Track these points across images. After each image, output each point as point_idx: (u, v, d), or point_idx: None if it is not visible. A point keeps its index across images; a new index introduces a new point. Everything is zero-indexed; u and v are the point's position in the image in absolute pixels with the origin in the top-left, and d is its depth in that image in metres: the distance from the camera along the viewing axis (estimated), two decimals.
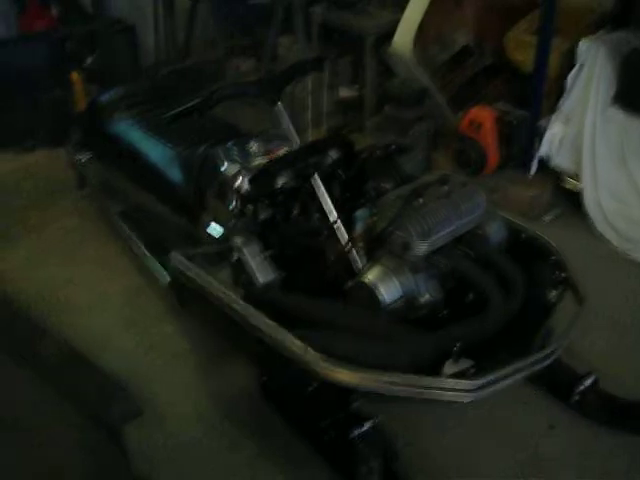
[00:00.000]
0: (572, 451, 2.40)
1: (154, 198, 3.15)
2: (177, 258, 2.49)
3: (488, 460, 2.37)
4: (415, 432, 2.46)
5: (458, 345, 1.87)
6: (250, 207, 2.42)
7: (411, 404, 2.34)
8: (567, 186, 3.72)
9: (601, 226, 3.51)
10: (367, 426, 2.11)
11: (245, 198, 2.44)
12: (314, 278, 2.39)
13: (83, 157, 3.74)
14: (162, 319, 3.02)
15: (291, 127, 2.58)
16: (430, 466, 2.34)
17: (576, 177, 3.63)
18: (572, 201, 3.72)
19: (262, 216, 2.39)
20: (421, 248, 2.09)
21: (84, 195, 3.96)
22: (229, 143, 2.76)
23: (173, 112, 2.51)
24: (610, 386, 2.51)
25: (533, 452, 2.39)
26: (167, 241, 3.14)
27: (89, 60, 4.81)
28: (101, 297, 3.18)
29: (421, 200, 2.15)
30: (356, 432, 2.10)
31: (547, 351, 1.99)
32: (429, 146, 4.05)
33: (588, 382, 2.46)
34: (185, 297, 2.64)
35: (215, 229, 2.72)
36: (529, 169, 3.77)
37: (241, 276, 2.35)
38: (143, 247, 3.17)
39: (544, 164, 3.78)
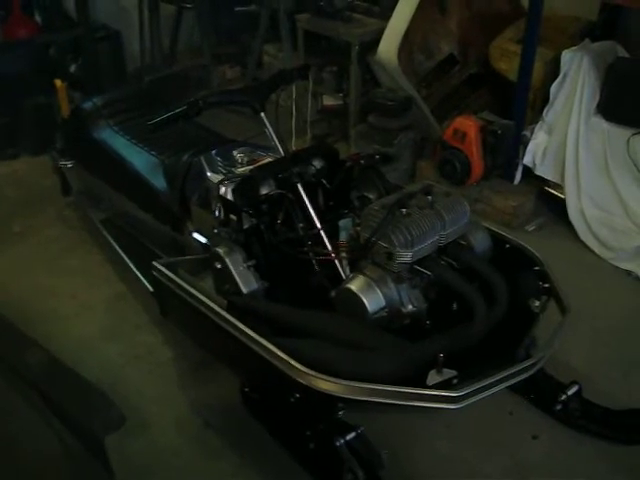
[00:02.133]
0: (555, 459, 2.40)
1: (138, 206, 3.14)
2: (158, 268, 2.48)
3: (472, 467, 2.37)
4: (401, 440, 2.46)
5: (441, 355, 1.87)
6: (233, 216, 2.40)
7: (395, 413, 2.35)
8: (552, 193, 3.73)
9: (584, 235, 3.53)
10: (352, 434, 2.11)
11: (228, 207, 2.42)
12: (298, 288, 2.39)
13: (67, 164, 3.73)
14: (145, 328, 3.01)
15: (274, 136, 2.56)
16: (415, 473, 2.35)
17: (560, 186, 3.64)
18: (556, 210, 3.74)
19: (245, 225, 2.38)
20: (404, 258, 2.09)
21: (68, 202, 3.95)
22: (213, 151, 2.76)
23: (157, 119, 2.49)
24: (592, 395, 2.52)
25: (516, 460, 2.40)
26: (150, 250, 3.14)
27: (73, 67, 4.80)
28: (84, 306, 3.17)
29: (404, 210, 2.15)
30: (341, 440, 2.09)
31: (531, 361, 1.98)
32: (414, 155, 4.05)
33: (571, 391, 2.47)
34: (167, 306, 2.63)
35: (198, 238, 2.72)
36: (513, 178, 3.78)
37: (224, 286, 2.34)
38: (125, 256, 3.15)
39: (528, 173, 3.80)
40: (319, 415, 2.18)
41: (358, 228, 2.25)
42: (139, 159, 3.12)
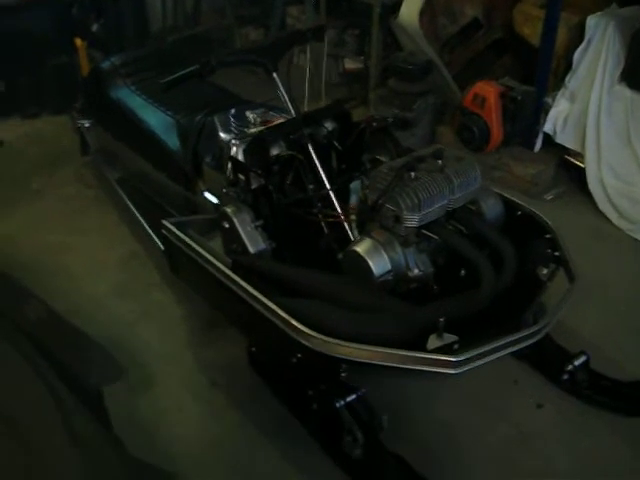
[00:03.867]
0: (558, 429, 2.39)
1: (152, 165, 3.15)
2: (167, 226, 2.49)
3: (473, 434, 2.37)
4: (405, 405, 2.46)
5: (442, 320, 1.85)
6: (242, 176, 2.39)
7: (398, 377, 2.35)
8: (572, 162, 3.67)
9: (603, 205, 3.47)
10: (352, 396, 2.11)
11: (237, 167, 2.41)
12: (306, 249, 2.39)
13: (86, 123, 3.75)
14: (157, 287, 3.04)
15: (287, 97, 2.54)
16: (416, 437, 2.34)
17: (580, 155, 3.58)
18: (576, 179, 3.68)
19: (254, 185, 2.37)
20: (411, 222, 2.07)
21: (87, 162, 3.97)
22: (227, 112, 2.74)
23: (170, 78, 2.48)
24: (602, 366, 2.49)
25: (519, 428, 2.39)
26: (164, 209, 3.15)
27: (95, 26, 4.79)
28: (97, 264, 3.20)
29: (413, 173, 2.12)
30: (341, 402, 2.10)
31: (534, 328, 1.95)
32: (433, 120, 4.00)
33: (578, 361, 2.44)
34: (177, 265, 2.64)
35: (209, 198, 2.72)
36: (533, 146, 3.72)
37: (232, 245, 2.34)
38: (139, 215, 3.16)
39: (549, 142, 3.74)
40: (321, 376, 2.19)
41: (367, 191, 2.23)
42: (154, 119, 3.12)
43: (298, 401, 2.33)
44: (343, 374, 2.16)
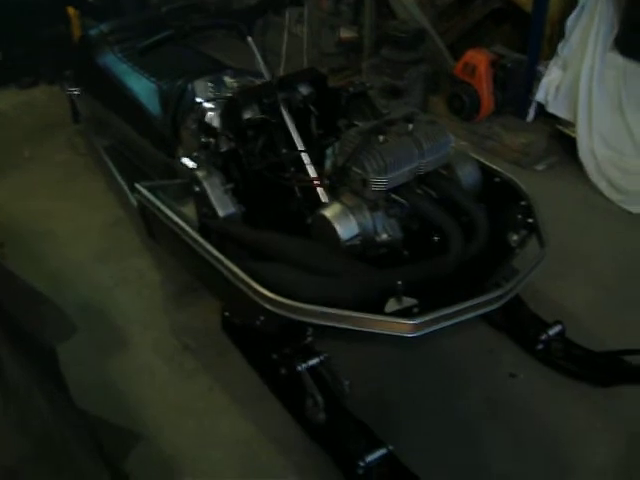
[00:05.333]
0: (529, 399, 2.36)
1: (137, 132, 3.15)
2: (140, 190, 2.48)
3: (442, 401, 2.35)
4: (374, 371, 2.45)
5: (400, 283, 1.83)
6: (212, 140, 2.38)
7: (360, 340, 2.34)
8: (565, 132, 3.60)
9: (594, 175, 3.41)
10: (315, 360, 2.11)
11: (208, 130, 2.40)
12: (277, 213, 2.37)
13: (75, 91, 3.75)
14: (137, 252, 3.05)
15: (262, 61, 2.51)
16: (382, 403, 2.34)
17: (573, 125, 3.51)
18: (570, 150, 3.62)
19: (224, 149, 2.35)
20: (378, 185, 2.04)
21: (78, 129, 3.98)
22: (206, 77, 2.73)
23: (146, 43, 2.48)
24: (582, 338, 2.46)
25: (490, 397, 2.37)
26: (148, 176, 3.14)
27: None
28: (80, 230, 3.21)
29: (381, 137, 2.09)
30: (302, 365, 2.09)
31: (496, 293, 1.92)
32: (426, 89, 3.94)
33: (553, 331, 2.42)
34: (152, 229, 2.64)
35: (186, 163, 2.71)
36: (526, 116, 3.66)
37: (202, 209, 2.33)
38: (123, 181, 3.16)
39: (543, 112, 3.67)
40: (286, 340, 2.19)
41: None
42: (138, 85, 3.12)
43: (266, 366, 2.33)
44: (309, 338, 2.17)
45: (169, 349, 2.54)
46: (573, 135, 3.52)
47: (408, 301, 1.86)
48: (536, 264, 2.07)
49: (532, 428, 2.26)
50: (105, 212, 3.32)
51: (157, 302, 2.77)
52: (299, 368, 2.08)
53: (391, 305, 1.85)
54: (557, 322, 2.44)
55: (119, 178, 3.18)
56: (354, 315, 1.79)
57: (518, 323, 2.53)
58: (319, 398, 2.07)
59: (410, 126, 2.15)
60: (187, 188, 2.50)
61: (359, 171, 2.05)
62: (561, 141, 3.67)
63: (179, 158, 2.77)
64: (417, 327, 1.79)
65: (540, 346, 2.44)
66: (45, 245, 3.09)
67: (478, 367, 2.49)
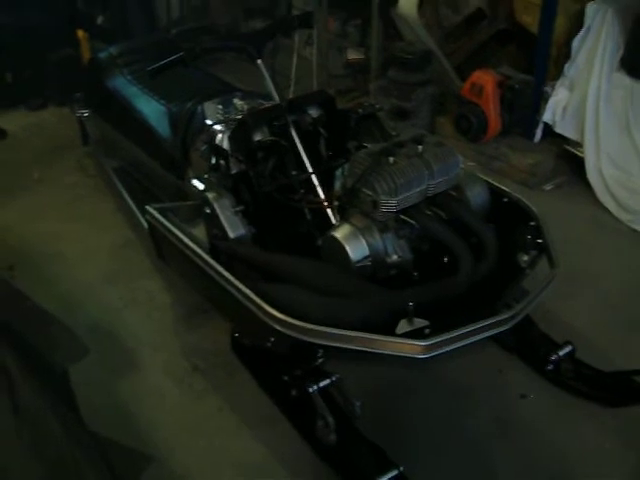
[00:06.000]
0: (539, 419, 2.35)
1: (146, 154, 3.17)
2: (151, 212, 2.50)
3: (452, 422, 2.34)
4: (385, 391, 2.45)
5: (411, 305, 1.83)
6: (222, 162, 2.39)
7: (372, 361, 2.33)
8: (572, 152, 3.61)
9: (602, 195, 3.42)
10: (326, 382, 2.10)
11: (217, 152, 2.42)
12: (287, 235, 2.38)
13: (85, 113, 3.78)
14: (146, 274, 3.05)
15: (271, 83, 2.53)
16: (394, 424, 2.32)
17: (580, 145, 3.52)
18: (577, 170, 3.63)
19: (234, 171, 2.37)
20: (388, 206, 2.05)
21: (88, 151, 4.00)
22: (215, 99, 2.75)
23: (155, 65, 2.51)
24: (591, 358, 2.45)
25: (500, 418, 2.36)
26: (158, 198, 3.16)
27: (101, 18, 4.82)
28: (90, 251, 3.22)
29: (391, 159, 2.10)
30: (314, 387, 2.09)
31: (507, 314, 1.92)
32: (433, 111, 3.96)
33: (563, 352, 2.40)
34: (161, 250, 2.65)
35: (196, 185, 2.72)
36: (533, 136, 3.68)
37: (213, 231, 2.35)
38: (133, 203, 3.17)
39: (550, 132, 3.69)
40: (297, 361, 2.18)
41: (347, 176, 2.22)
42: (148, 107, 3.14)
43: (277, 387, 2.32)
44: (320, 359, 2.17)
45: (179, 371, 2.54)
46: (581, 155, 3.53)
47: (419, 322, 1.86)
48: (546, 285, 2.07)
49: (541, 448, 2.25)
50: (114, 233, 3.34)
51: (167, 324, 2.77)
52: (310, 390, 2.08)
53: (402, 326, 1.85)
54: (567, 342, 2.43)
55: (128, 200, 3.19)
56: (365, 336, 1.79)
57: (528, 343, 2.52)
58: (330, 419, 2.06)
59: (419, 148, 2.17)
60: (197, 210, 2.52)
61: (369, 192, 2.07)
62: (568, 161, 3.69)
63: (189, 180, 2.79)
64: (428, 348, 1.79)
65: (550, 366, 2.43)
66: (55, 267, 3.09)
67: (488, 387, 2.48)
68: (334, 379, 2.12)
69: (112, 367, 2.54)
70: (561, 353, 2.40)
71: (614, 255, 3.16)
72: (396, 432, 2.28)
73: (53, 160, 4.03)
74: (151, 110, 3.11)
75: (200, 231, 2.46)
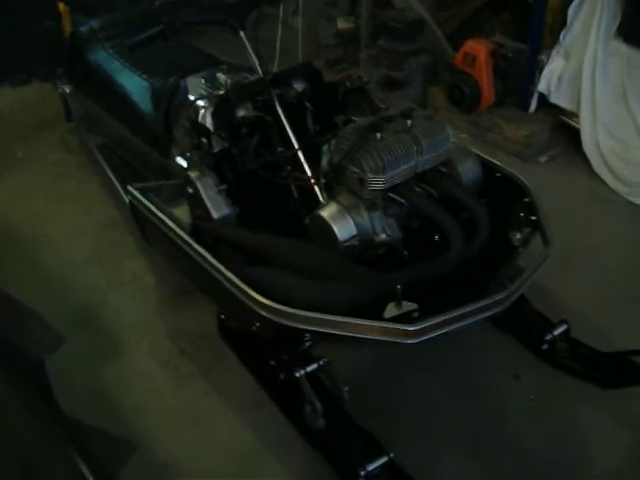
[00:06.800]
0: (535, 400, 2.30)
1: (129, 130, 3.08)
2: (132, 192, 2.42)
3: (444, 402, 2.30)
4: (376, 376, 2.39)
5: (399, 288, 1.76)
6: (204, 139, 2.31)
7: (359, 346, 2.27)
8: (568, 123, 3.52)
9: (598, 167, 3.34)
10: (313, 366, 2.06)
11: (200, 130, 2.33)
12: (273, 214, 2.31)
13: (67, 89, 3.68)
14: (131, 254, 2.99)
15: (254, 56, 2.43)
16: (385, 406, 2.28)
17: (576, 115, 3.43)
18: (573, 141, 3.54)
19: (217, 149, 2.29)
20: (376, 184, 1.97)
21: (71, 128, 3.91)
22: (198, 74, 2.66)
23: (135, 39, 2.41)
24: (588, 335, 2.40)
25: (493, 398, 2.31)
26: (142, 175, 3.08)
27: None
28: (75, 231, 3.16)
29: (379, 134, 2.02)
30: (301, 371, 2.04)
31: (499, 296, 1.85)
32: (425, 81, 3.86)
33: (558, 331, 2.35)
34: (145, 231, 2.58)
35: (180, 163, 2.65)
36: (528, 106, 3.58)
37: (196, 211, 2.27)
38: (117, 181, 3.10)
39: (546, 103, 3.59)
40: (284, 346, 2.13)
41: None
42: (130, 82, 3.05)
43: (264, 371, 2.27)
44: (307, 343, 2.11)
45: (165, 354, 2.49)
46: (576, 126, 3.45)
47: (408, 306, 1.79)
48: (541, 263, 2.00)
49: (537, 430, 2.20)
50: (99, 213, 3.26)
51: (151, 306, 2.72)
52: (297, 374, 2.03)
53: (390, 310, 1.79)
54: (562, 321, 2.37)
55: (112, 178, 3.12)
56: (351, 321, 1.73)
57: (522, 322, 2.46)
58: (318, 405, 2.01)
59: (408, 122, 2.09)
60: (180, 189, 2.44)
61: (356, 170, 1.99)
62: (564, 132, 3.60)
63: (173, 157, 2.71)
64: (417, 333, 1.72)
65: (545, 346, 2.37)
66: (40, 248, 3.03)
67: (483, 368, 2.42)
68: (322, 363, 2.07)
69: (97, 350, 2.50)
70: (556, 333, 2.35)
71: (611, 228, 3.09)
72: (385, 416, 2.23)
73: (37, 137, 3.94)
74: (133, 85, 3.02)
75: (184, 211, 2.39)
